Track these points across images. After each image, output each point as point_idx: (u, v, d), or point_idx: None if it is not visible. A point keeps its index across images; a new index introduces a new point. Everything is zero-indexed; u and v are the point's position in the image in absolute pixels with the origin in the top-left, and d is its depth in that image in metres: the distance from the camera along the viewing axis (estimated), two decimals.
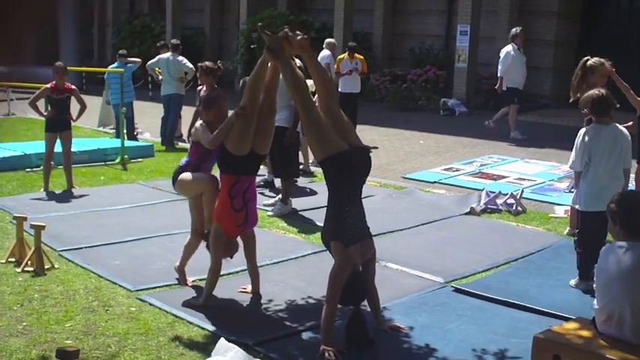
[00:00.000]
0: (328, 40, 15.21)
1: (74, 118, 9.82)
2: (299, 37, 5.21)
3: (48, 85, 9.61)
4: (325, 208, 5.08)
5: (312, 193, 9.53)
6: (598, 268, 4.17)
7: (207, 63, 8.39)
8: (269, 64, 5.49)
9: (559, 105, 19.58)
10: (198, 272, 6.19)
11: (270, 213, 8.46)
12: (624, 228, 4.09)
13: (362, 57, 14.33)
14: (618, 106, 6.47)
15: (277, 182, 9.54)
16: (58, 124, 9.61)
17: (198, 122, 5.95)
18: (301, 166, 10.71)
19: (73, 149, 10.02)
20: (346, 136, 5.01)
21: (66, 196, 9.38)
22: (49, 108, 9.78)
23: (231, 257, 5.82)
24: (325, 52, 14.48)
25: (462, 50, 19.29)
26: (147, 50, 22.93)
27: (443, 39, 21.66)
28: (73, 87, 9.81)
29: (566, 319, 5.07)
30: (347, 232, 4.89)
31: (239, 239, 5.80)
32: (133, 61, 14.34)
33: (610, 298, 4.04)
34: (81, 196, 9.43)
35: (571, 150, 6.41)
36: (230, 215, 5.57)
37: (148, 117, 15.00)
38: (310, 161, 11.00)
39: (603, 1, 20.28)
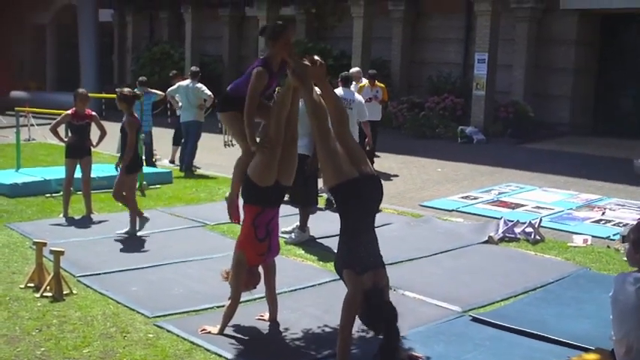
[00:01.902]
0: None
1: (94, 144, 9.90)
2: (314, 66, 5.29)
3: (69, 112, 9.71)
4: None
5: (331, 220, 9.52)
6: (613, 298, 4.13)
7: (124, 90, 8.68)
8: (292, 93, 5.53)
9: (577, 133, 19.59)
10: (217, 299, 6.19)
11: (287, 240, 8.46)
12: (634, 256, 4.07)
13: (383, 85, 14.37)
14: None
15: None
16: (79, 150, 9.69)
17: None
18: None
19: (92, 175, 10.09)
20: (358, 164, 5.05)
21: (85, 222, 9.43)
22: (70, 134, 9.87)
23: (255, 287, 5.81)
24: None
25: (479, 78, 19.36)
26: (166, 77, 23.03)
27: (461, 67, 21.75)
28: (93, 113, 9.90)
29: (586, 350, 5.03)
30: (359, 260, 4.89)
31: (260, 269, 5.79)
32: (155, 93, 14.48)
33: (626, 331, 4.01)
34: (100, 221, 9.48)
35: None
36: (253, 244, 5.58)
37: (167, 144, 15.10)
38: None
39: (622, 28, 20.30)
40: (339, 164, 5.00)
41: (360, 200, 4.95)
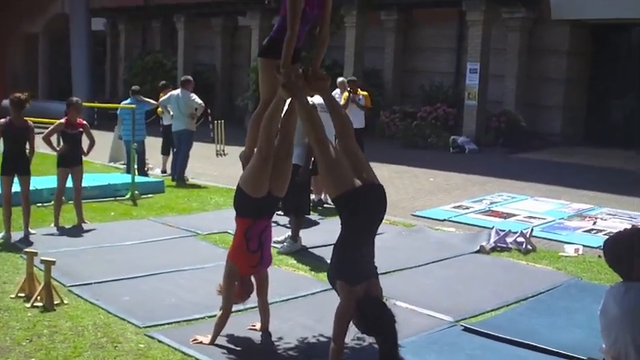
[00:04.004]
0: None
1: (86, 152, 9.91)
2: (318, 80, 5.31)
3: (62, 121, 9.70)
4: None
5: (323, 230, 9.53)
6: (600, 311, 4.14)
7: (15, 94, 8.79)
8: (284, 106, 5.52)
9: (569, 143, 19.67)
10: (208, 309, 6.17)
11: (279, 250, 8.44)
12: (615, 271, 4.08)
13: (366, 93, 14.23)
14: None
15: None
16: (71, 160, 9.68)
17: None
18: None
19: (83, 184, 10.06)
20: (362, 173, 5.02)
21: (76, 232, 9.40)
22: (62, 143, 9.86)
23: (249, 297, 5.79)
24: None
25: (471, 88, 19.41)
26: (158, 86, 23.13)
27: (453, 76, 21.80)
28: (84, 122, 9.90)
29: None
30: (353, 272, 4.88)
31: (252, 279, 5.77)
32: (148, 102, 14.45)
33: (613, 340, 4.02)
34: (91, 231, 9.45)
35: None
36: (245, 256, 5.55)
37: (159, 153, 15.09)
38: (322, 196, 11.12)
39: (613, 38, 20.40)
40: (339, 174, 4.96)
41: (362, 210, 4.91)
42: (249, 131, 5.84)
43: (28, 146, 9.05)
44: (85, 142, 9.90)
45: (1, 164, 8.96)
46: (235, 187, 5.65)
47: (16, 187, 9.08)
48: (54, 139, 10.03)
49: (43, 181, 11.66)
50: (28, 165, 9.07)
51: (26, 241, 8.62)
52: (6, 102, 9.06)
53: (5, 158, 8.97)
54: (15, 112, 8.91)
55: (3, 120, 9.00)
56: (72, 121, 9.66)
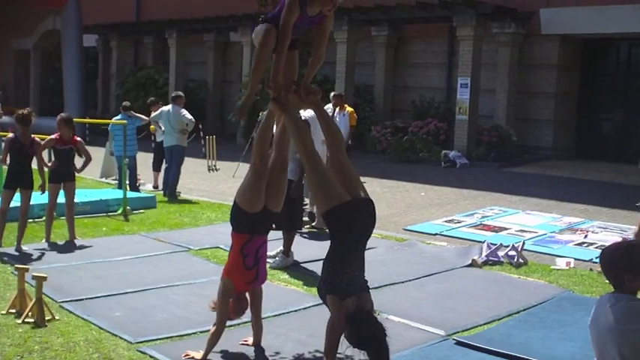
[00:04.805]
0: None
1: (78, 169, 9.88)
2: (309, 94, 5.34)
3: (53, 136, 9.68)
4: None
5: (314, 245, 9.52)
6: (590, 321, 4.16)
7: (19, 112, 8.98)
8: (276, 120, 5.54)
9: (560, 157, 19.74)
10: (200, 324, 6.16)
11: (271, 265, 8.42)
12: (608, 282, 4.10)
13: (352, 109, 14.15)
14: None
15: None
16: (62, 175, 9.66)
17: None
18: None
19: (75, 200, 10.04)
20: (352, 188, 5.04)
21: (68, 247, 9.37)
22: (53, 159, 9.85)
23: (244, 313, 5.78)
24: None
25: (462, 102, 19.47)
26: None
27: (444, 91, 21.88)
28: (78, 139, 9.87)
29: None
30: (343, 286, 4.88)
31: (247, 294, 5.76)
32: (139, 117, 14.44)
33: (601, 351, 4.03)
34: (83, 247, 9.42)
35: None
36: (241, 272, 5.53)
37: (151, 168, 15.09)
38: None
39: (602, 53, 20.53)
40: (329, 189, 4.97)
41: (351, 224, 4.93)
42: (252, 77, 5.73)
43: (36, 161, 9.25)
44: (78, 159, 9.88)
45: (5, 178, 9.09)
46: (228, 202, 5.65)
47: (13, 203, 9.27)
48: (45, 155, 10.02)
49: (34, 196, 11.62)
50: (32, 180, 9.23)
51: (18, 256, 8.61)
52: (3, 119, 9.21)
53: (10, 172, 9.14)
54: (21, 129, 9.11)
55: (9, 136, 9.11)
56: (64, 137, 9.64)
